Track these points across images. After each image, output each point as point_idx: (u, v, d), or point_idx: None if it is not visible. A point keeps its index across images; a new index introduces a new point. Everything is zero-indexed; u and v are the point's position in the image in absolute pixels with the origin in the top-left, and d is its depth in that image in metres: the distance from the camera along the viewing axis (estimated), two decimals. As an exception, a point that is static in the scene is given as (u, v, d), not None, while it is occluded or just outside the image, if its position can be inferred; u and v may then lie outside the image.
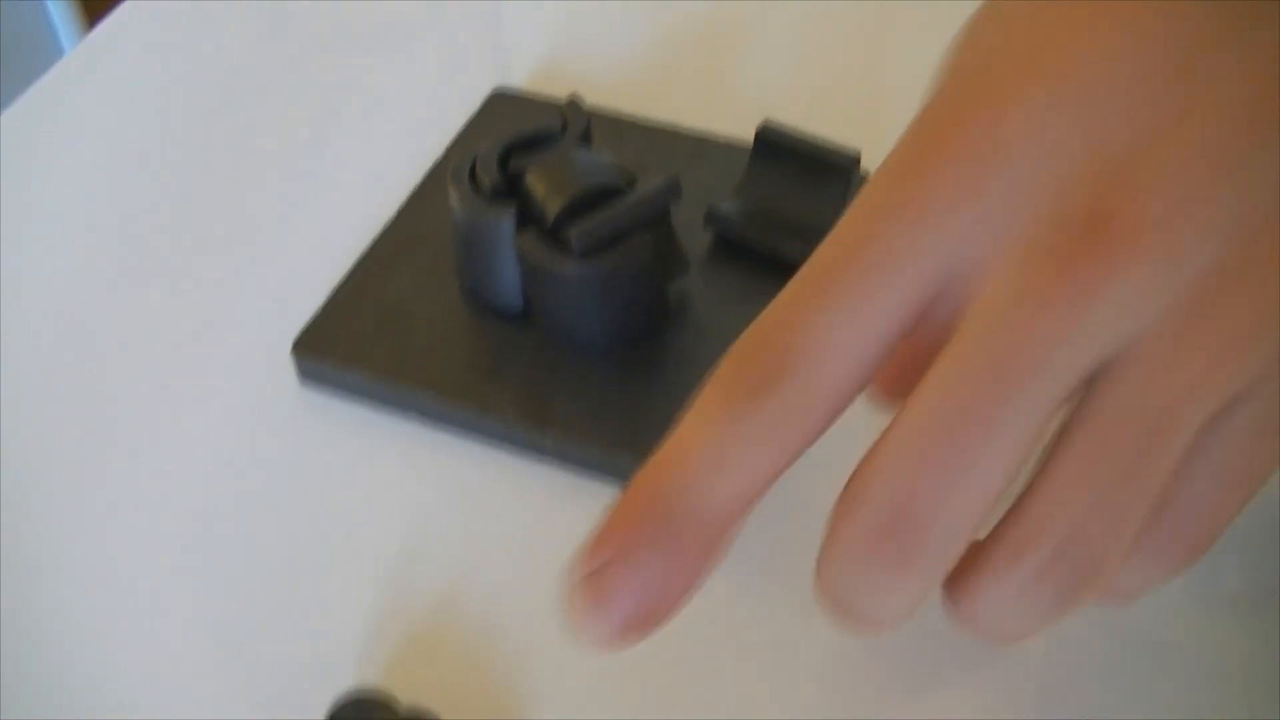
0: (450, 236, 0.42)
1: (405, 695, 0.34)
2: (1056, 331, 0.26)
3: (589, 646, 0.29)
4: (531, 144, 0.41)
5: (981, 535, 0.28)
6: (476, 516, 0.38)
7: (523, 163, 0.40)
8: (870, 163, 0.41)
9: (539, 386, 0.39)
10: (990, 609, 0.29)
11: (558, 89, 0.49)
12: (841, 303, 0.28)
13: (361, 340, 0.41)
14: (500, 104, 0.48)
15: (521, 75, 0.51)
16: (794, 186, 0.42)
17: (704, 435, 0.29)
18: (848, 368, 0.28)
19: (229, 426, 0.41)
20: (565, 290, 0.39)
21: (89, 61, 0.54)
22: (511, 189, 0.39)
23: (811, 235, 0.41)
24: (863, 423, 0.29)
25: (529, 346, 0.40)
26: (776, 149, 0.42)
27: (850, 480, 0.28)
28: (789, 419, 0.28)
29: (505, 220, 0.39)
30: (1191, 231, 0.26)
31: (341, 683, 0.34)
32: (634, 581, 0.29)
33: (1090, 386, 0.27)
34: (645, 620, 0.29)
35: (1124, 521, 0.27)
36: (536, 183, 0.39)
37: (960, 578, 0.29)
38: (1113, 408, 0.26)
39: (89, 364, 0.43)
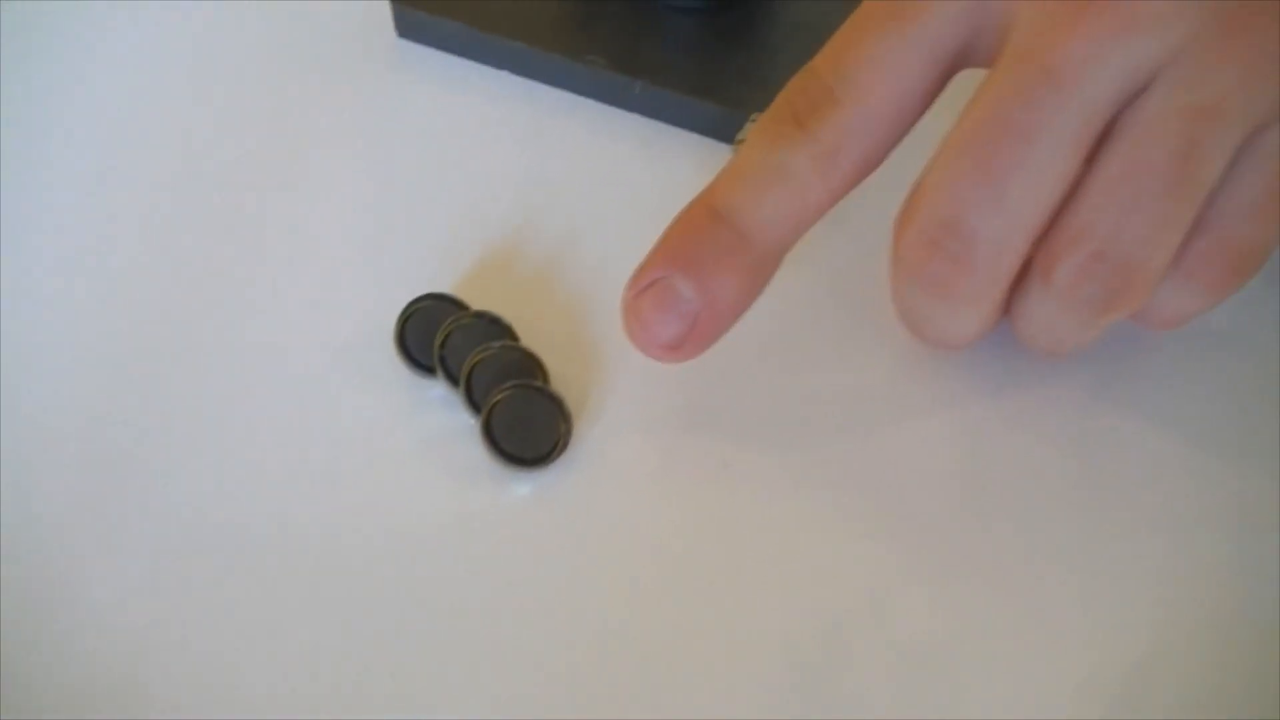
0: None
1: (475, 304, 0.35)
2: (1085, 51, 0.27)
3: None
4: None
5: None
6: (559, 157, 0.39)
7: None
8: None
9: (630, 38, 0.40)
10: (1037, 311, 0.30)
11: None
12: (882, 31, 0.29)
13: (459, -7, 0.41)
14: None
15: None
16: None
17: (753, 161, 0.30)
18: (891, 92, 0.29)
19: (330, 71, 0.42)
20: (663, -57, 0.39)
21: None
22: None
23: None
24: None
25: (623, 3, 0.40)
26: None
27: (906, 198, 0.30)
28: (835, 145, 0.29)
29: None
30: None
31: (418, 290, 0.35)
32: (669, 308, 0.30)
33: (1129, 103, 0.27)
34: (690, 342, 0.31)
35: (1162, 226, 0.28)
36: None
37: (1014, 287, 0.30)
38: (1150, 116, 0.27)
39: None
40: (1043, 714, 0.29)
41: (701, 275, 0.30)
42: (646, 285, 0.30)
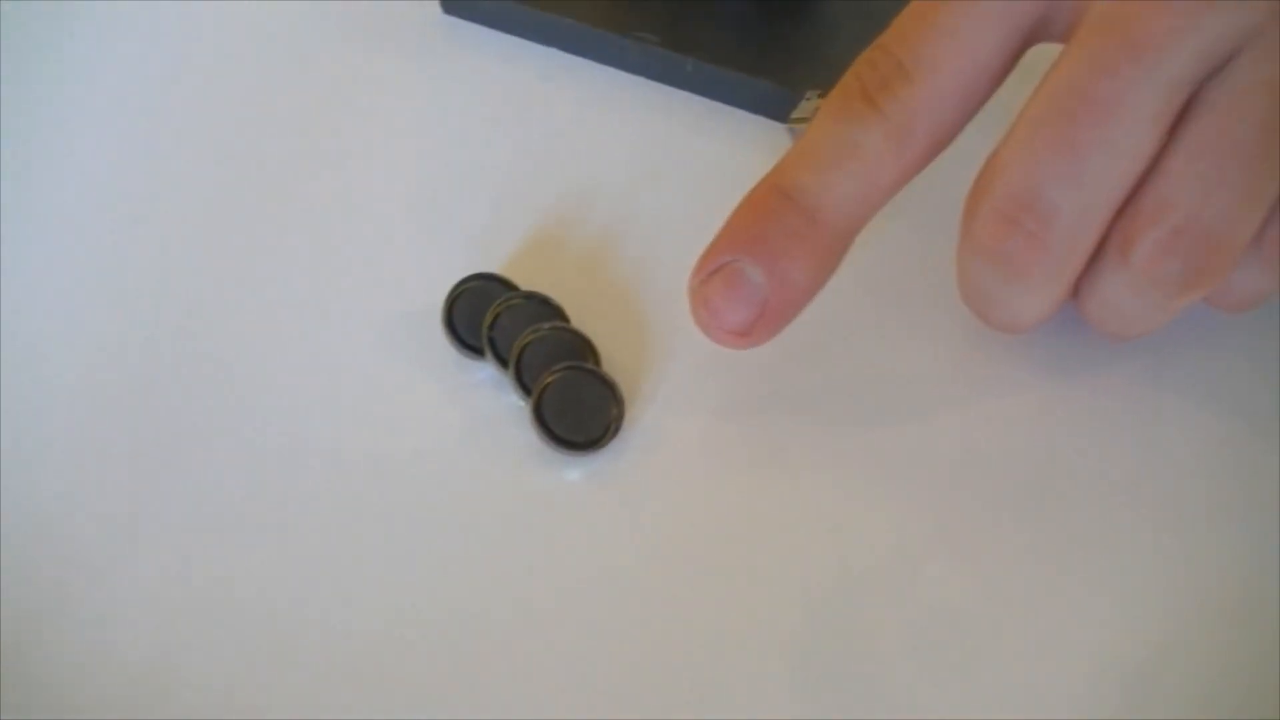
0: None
1: (524, 285, 0.34)
2: (1169, 24, 0.26)
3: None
4: None
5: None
6: (609, 136, 0.38)
7: None
8: None
9: (682, 14, 0.39)
10: (1110, 292, 0.29)
11: None
12: (955, 5, 0.28)
13: (506, -32, 0.40)
14: None
15: None
16: None
17: (823, 140, 0.29)
18: (964, 67, 0.28)
19: (375, 49, 0.41)
20: (715, -82, 0.38)
21: None
22: None
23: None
24: None
25: (676, -20, 0.39)
26: None
27: (979, 174, 0.29)
28: (907, 122, 0.28)
29: None
30: None
31: (466, 270, 0.35)
32: (737, 293, 0.29)
33: (1211, 78, 0.27)
34: (759, 327, 0.30)
35: (1247, 200, 0.27)
36: None
37: (1088, 266, 0.29)
38: (1234, 88, 0.26)
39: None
40: (1063, 685, 0.28)
41: (771, 259, 0.29)
42: (714, 270, 0.30)
